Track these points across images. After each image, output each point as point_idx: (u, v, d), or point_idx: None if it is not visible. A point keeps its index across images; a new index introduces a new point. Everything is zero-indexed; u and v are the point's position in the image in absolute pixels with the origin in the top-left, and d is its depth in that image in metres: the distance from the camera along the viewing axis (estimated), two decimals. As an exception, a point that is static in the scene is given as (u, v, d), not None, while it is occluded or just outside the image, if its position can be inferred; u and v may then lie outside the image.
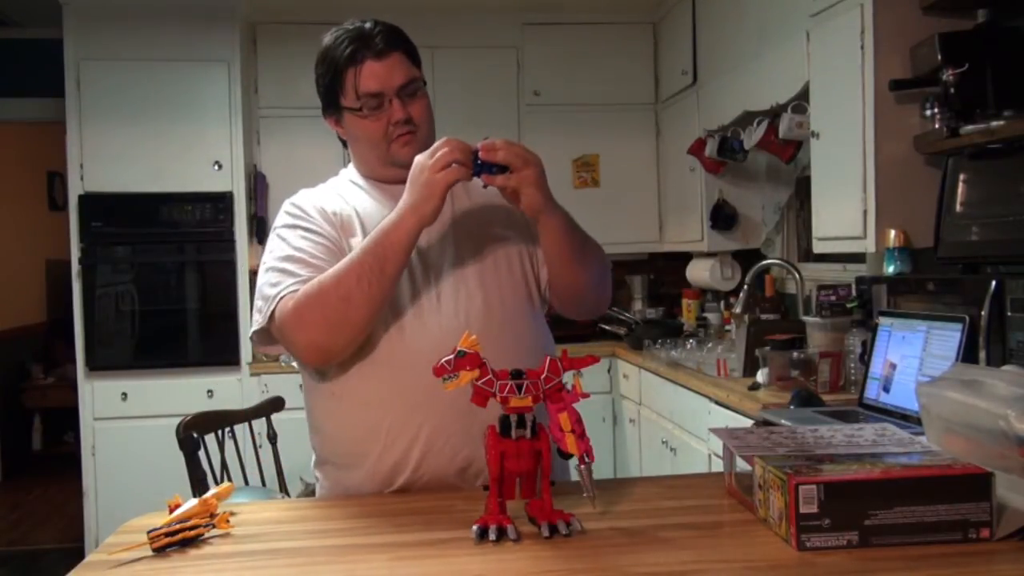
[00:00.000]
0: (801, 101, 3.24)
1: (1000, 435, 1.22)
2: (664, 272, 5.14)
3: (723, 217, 4.26)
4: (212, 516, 1.28)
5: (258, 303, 1.52)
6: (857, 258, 3.23)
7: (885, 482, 1.12)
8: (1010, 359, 2.11)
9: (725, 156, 4.04)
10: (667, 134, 4.83)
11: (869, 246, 2.77)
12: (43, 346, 7.00)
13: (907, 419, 2.10)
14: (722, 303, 4.39)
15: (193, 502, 1.29)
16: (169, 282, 4.42)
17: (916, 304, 2.51)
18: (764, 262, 3.80)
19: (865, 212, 2.75)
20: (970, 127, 2.39)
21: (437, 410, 1.46)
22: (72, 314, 4.34)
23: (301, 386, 1.64)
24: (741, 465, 1.33)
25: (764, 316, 3.51)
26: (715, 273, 4.42)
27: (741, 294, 3.58)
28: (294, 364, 1.79)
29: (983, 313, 2.15)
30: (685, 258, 4.78)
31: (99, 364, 4.32)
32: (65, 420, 5.99)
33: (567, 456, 1.18)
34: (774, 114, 3.48)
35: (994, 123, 2.32)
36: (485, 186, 1.44)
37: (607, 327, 4.65)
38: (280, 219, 1.61)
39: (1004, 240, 2.32)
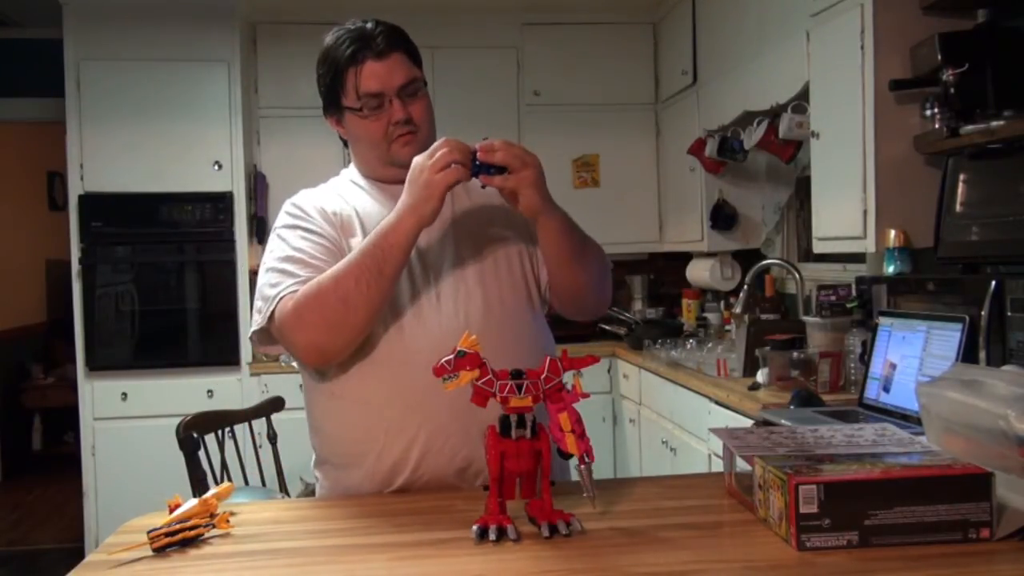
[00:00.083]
0: (801, 101, 3.24)
1: (1000, 435, 1.22)
2: (664, 272, 5.14)
3: (723, 217, 4.26)
4: (212, 516, 1.28)
5: (258, 303, 1.52)
6: (857, 258, 3.23)
7: (885, 482, 1.12)
8: (1010, 359, 2.11)
9: (725, 156, 4.04)
10: (667, 134, 4.83)
11: (869, 246, 2.77)
12: (43, 346, 7.00)
13: (907, 419, 2.10)
14: (722, 303, 4.39)
15: (193, 502, 1.29)
16: (169, 282, 4.42)
17: (916, 304, 2.50)
18: (764, 262, 3.80)
19: (865, 212, 2.75)
20: (970, 127, 2.39)
21: (437, 410, 1.46)
22: (72, 314, 4.34)
23: (301, 386, 1.64)
24: (741, 465, 1.33)
25: (764, 316, 3.51)
26: (715, 273, 4.42)
27: (741, 294, 3.58)
28: (294, 364, 1.79)
29: (983, 313, 2.15)
30: (685, 258, 4.78)
31: (99, 364, 4.32)
32: (65, 420, 5.99)
33: (567, 456, 1.17)
34: (774, 114, 3.48)
35: (994, 123, 2.32)
36: (484, 186, 1.44)
37: (607, 327, 4.65)
38: (280, 219, 1.61)
39: (1004, 240, 2.32)
